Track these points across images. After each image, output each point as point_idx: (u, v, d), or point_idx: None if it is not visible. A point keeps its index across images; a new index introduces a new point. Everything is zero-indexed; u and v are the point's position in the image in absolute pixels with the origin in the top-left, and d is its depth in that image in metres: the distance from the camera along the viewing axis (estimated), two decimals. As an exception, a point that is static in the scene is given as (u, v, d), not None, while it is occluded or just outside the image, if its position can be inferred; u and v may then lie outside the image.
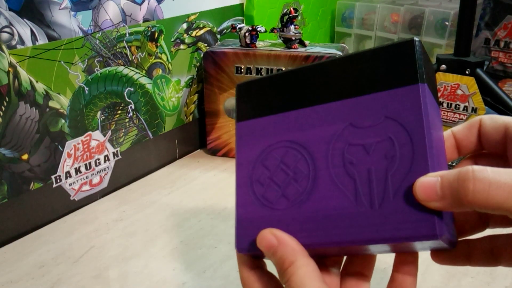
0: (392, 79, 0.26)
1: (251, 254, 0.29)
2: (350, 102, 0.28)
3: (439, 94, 0.92)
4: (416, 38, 0.26)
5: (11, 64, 0.58)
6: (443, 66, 0.93)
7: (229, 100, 0.83)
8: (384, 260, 0.41)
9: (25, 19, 0.59)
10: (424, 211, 0.24)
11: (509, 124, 0.28)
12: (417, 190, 0.24)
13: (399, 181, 0.25)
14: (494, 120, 0.28)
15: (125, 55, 0.72)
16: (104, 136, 0.73)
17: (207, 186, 0.77)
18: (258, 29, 0.79)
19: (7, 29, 0.57)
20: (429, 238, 0.24)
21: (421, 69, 0.26)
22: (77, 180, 0.70)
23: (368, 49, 0.28)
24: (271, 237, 0.27)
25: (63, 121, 0.66)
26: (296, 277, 0.26)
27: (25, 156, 0.63)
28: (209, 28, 0.87)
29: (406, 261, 0.28)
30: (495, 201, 0.22)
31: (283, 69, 0.72)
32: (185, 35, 0.82)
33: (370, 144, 0.26)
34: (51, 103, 0.64)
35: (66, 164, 0.68)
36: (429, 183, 0.24)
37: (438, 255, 0.30)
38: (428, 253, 0.31)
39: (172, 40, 0.80)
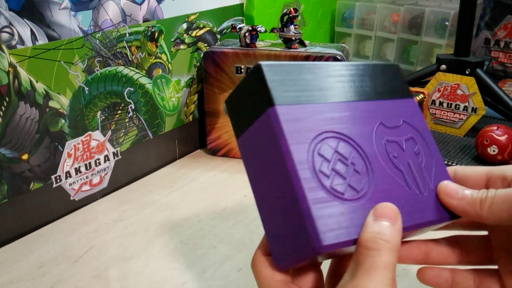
0: (401, 91, 0.34)
1: (333, 252, 0.27)
2: (376, 104, 0.32)
3: (439, 94, 0.92)
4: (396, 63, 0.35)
5: (11, 64, 0.58)
6: (443, 66, 0.93)
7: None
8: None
9: (25, 19, 0.59)
10: None
11: (489, 169, 0.32)
12: (441, 193, 0.31)
13: (430, 173, 0.31)
14: (473, 168, 0.33)
15: (125, 55, 0.73)
16: (104, 136, 0.73)
17: (207, 186, 0.77)
18: (258, 29, 0.79)
19: (7, 29, 0.57)
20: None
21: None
22: (77, 180, 0.70)
23: (382, 63, 0.34)
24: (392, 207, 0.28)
25: (63, 121, 0.66)
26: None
27: (25, 156, 0.63)
28: (209, 28, 0.87)
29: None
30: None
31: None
32: (185, 35, 0.82)
33: (401, 141, 0.31)
34: (51, 103, 0.64)
35: (66, 164, 0.68)
36: (452, 194, 0.30)
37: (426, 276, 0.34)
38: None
39: (172, 40, 0.80)
